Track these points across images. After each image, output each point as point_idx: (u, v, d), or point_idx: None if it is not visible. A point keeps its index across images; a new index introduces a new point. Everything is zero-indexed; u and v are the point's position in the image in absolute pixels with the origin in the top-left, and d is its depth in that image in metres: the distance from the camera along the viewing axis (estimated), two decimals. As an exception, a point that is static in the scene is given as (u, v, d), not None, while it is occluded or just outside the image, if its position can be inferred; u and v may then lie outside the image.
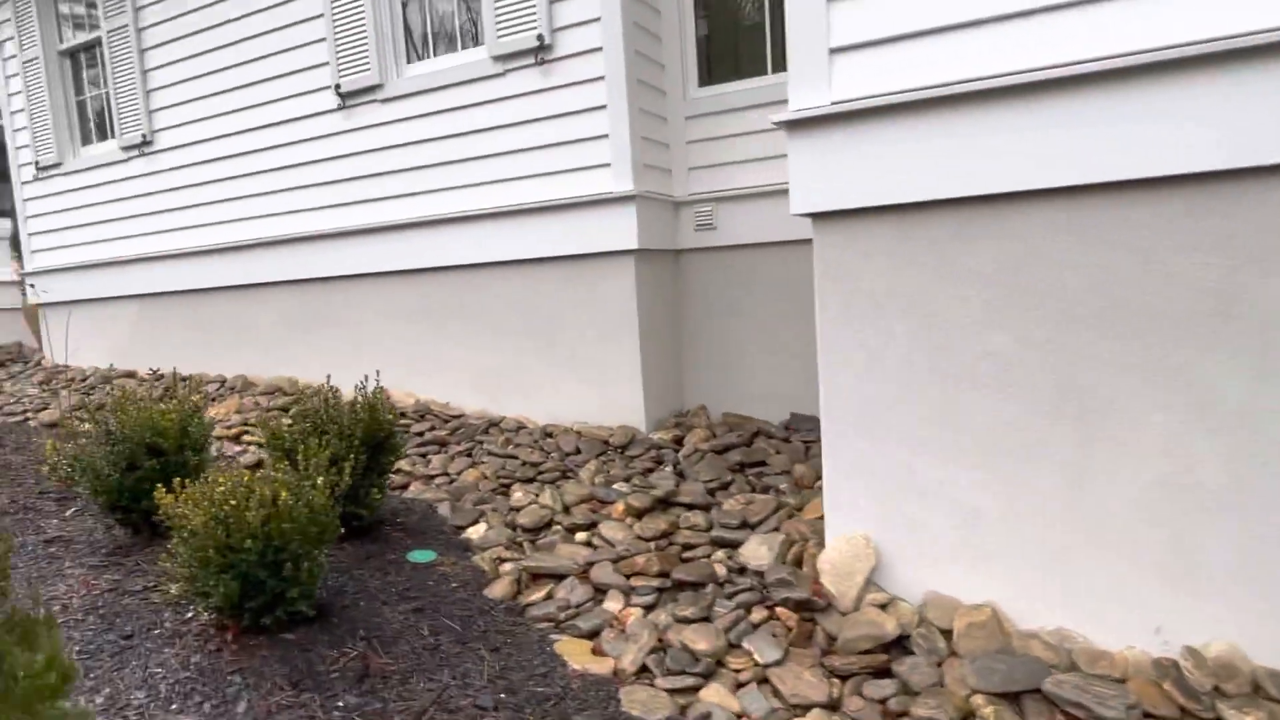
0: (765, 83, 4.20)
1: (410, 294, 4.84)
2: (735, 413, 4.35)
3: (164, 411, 2.87)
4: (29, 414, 5.37)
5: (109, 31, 5.81)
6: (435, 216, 4.61)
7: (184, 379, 5.80)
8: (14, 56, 6.44)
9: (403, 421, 4.40)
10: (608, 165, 4.08)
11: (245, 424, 4.62)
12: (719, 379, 4.45)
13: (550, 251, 4.29)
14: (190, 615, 2.36)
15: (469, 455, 4.02)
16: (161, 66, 5.65)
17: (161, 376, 5.95)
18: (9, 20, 6.40)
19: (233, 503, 2.15)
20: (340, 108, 4.86)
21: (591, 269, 4.21)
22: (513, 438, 4.17)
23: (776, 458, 3.66)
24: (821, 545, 2.53)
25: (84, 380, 6.09)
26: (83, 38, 6.14)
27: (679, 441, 4.04)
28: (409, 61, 4.74)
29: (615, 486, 3.40)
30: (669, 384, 4.40)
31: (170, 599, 2.41)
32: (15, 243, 7.23)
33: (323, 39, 4.86)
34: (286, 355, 5.38)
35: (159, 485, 2.34)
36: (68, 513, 3.34)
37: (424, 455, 4.04)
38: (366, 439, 2.91)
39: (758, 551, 2.67)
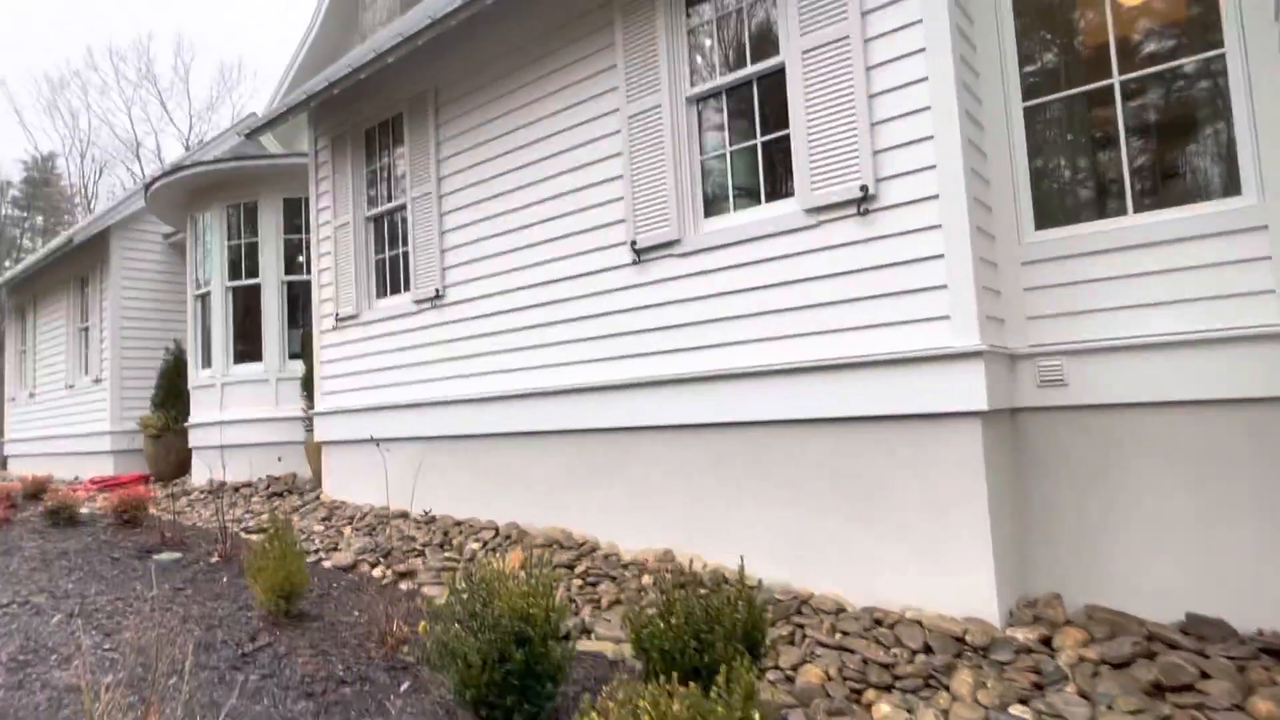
0: (1126, 224, 3.73)
1: (699, 450, 4.61)
2: (1102, 606, 3.61)
3: (528, 594, 2.68)
4: (321, 554, 5.58)
5: (414, 199, 6.41)
6: (733, 370, 4.41)
7: (457, 523, 5.86)
8: (328, 223, 7.27)
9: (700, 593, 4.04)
10: (945, 318, 3.70)
11: (535, 583, 4.46)
12: (1075, 562, 3.75)
13: (870, 410, 3.92)
14: None
15: (793, 643, 3.55)
16: (459, 228, 6.09)
17: (433, 519, 6.07)
18: (327, 193, 7.28)
19: (673, 743, 1.82)
20: (634, 262, 4.91)
21: (922, 430, 3.77)
22: (836, 623, 3.66)
23: (1210, 683, 2.89)
24: None
25: (362, 519, 6.34)
26: (387, 205, 6.83)
27: (1046, 643, 3.36)
28: (707, 215, 4.74)
29: (1014, 711, 2.78)
30: (1015, 566, 3.77)
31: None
32: (306, 384, 7.94)
33: (619, 198, 5.00)
34: (560, 505, 5.29)
35: (524, 680, 2.08)
36: (401, 687, 3.21)
37: (739, 638, 3.62)
38: (746, 641, 2.54)
39: None
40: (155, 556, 5.62)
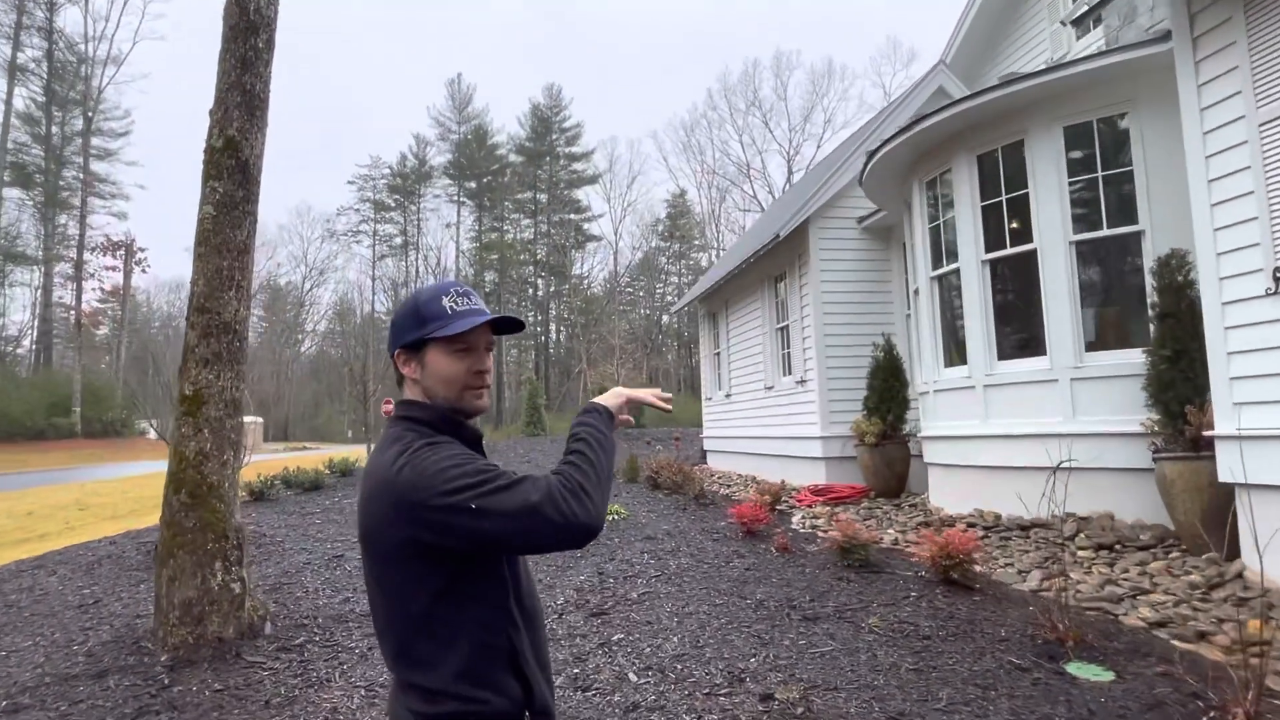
0: None
1: None
2: None
3: None
4: None
5: None
6: None
7: None
8: (1231, 123, 4.41)
9: None
10: None
11: None
12: None
13: None
14: None
15: None
16: None
17: None
18: (1229, 72, 4.41)
19: None
20: None
21: None
22: None
23: None
24: None
25: None
26: None
27: None
28: None
29: None
30: None
31: None
32: (1159, 386, 5.24)
33: None
34: None
35: None
36: None
37: None
38: None
39: None
40: (1070, 669, 3.52)
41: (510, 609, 1.34)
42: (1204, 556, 4.90)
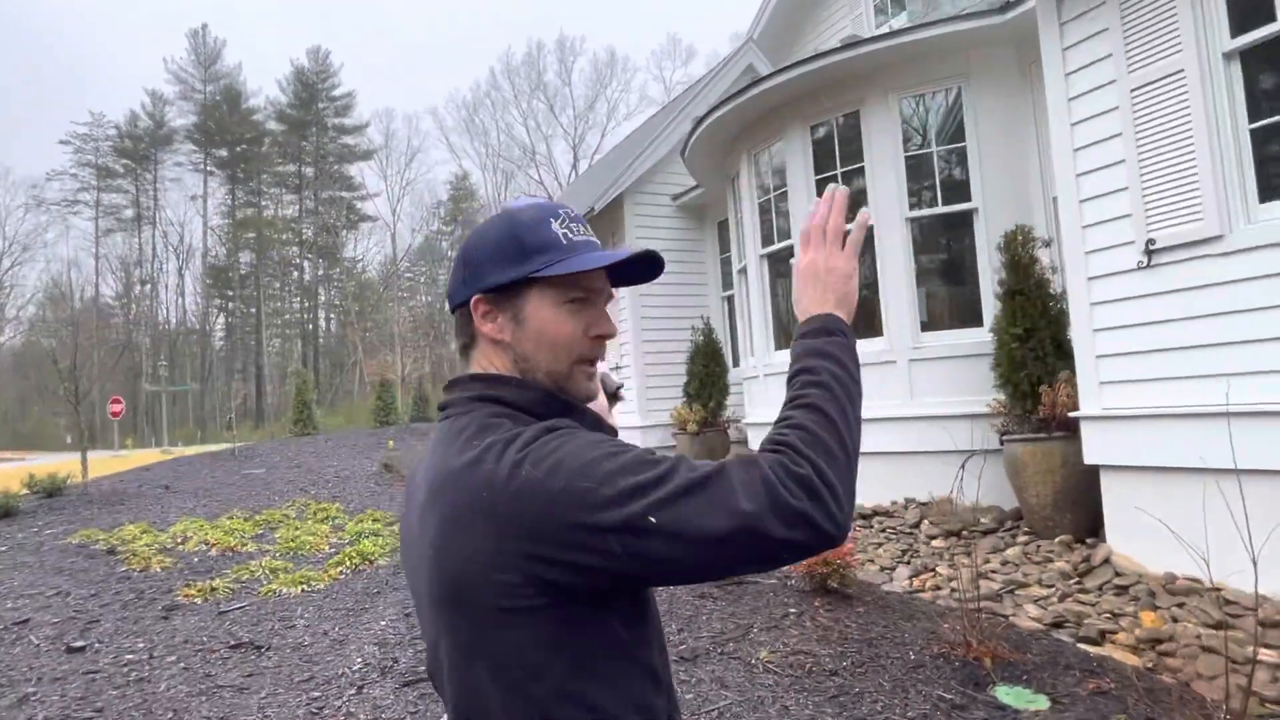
0: None
1: None
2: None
3: None
4: None
5: None
6: None
7: None
8: (1101, 87, 4.21)
9: None
10: None
11: None
12: None
13: None
14: None
15: None
16: None
17: None
18: (1097, 35, 4.20)
19: None
20: None
21: None
22: None
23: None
24: None
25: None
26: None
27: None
28: None
29: None
30: None
31: None
32: (1008, 367, 5.05)
33: None
34: None
35: None
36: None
37: None
38: None
39: None
40: (1001, 696, 3.02)
41: (655, 666, 0.86)
42: (1056, 540, 4.78)
